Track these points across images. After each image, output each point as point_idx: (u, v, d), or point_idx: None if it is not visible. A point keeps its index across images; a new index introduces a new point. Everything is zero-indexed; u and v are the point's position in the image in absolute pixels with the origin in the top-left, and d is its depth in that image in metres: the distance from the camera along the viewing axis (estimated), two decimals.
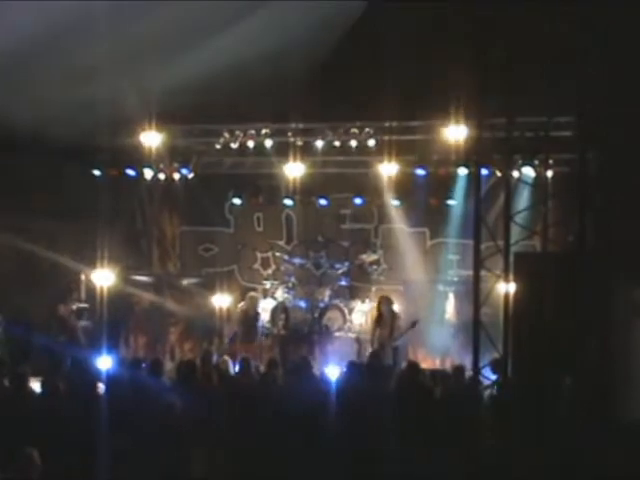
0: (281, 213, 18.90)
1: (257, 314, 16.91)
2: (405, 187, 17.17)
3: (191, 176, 17.98)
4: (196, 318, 17.29)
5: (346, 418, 10.14)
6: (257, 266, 18.97)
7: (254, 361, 14.09)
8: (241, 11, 13.57)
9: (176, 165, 17.85)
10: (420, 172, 16.68)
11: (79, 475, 8.87)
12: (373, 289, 17.73)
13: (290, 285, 17.77)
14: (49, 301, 16.35)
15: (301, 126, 16.88)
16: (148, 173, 17.47)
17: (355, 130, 16.60)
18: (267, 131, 17.03)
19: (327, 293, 17.48)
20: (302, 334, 16.96)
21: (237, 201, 18.60)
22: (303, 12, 14.24)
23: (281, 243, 18.98)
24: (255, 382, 11.73)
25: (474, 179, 11.77)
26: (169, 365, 13.73)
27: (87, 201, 16.44)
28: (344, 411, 10.38)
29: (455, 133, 15.29)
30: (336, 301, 17.45)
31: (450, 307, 16.81)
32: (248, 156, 17.36)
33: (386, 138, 16.33)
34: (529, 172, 15.31)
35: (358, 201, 18.09)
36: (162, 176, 17.89)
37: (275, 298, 17.65)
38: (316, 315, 17.17)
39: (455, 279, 17.25)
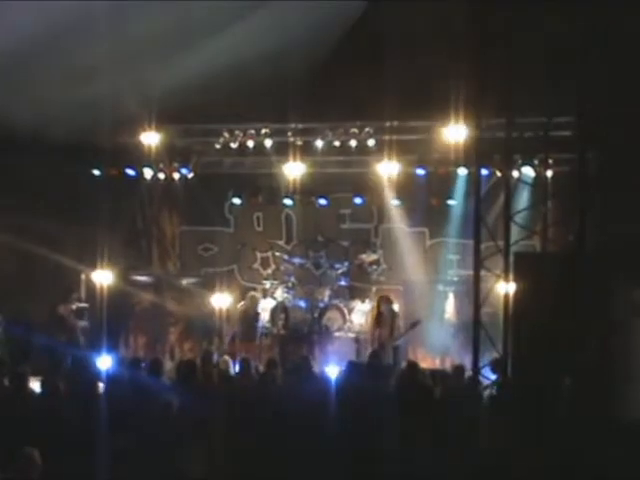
0: (281, 213, 18.89)
1: (257, 314, 16.92)
2: (405, 187, 17.16)
3: (191, 176, 17.96)
4: (196, 318, 17.28)
5: (346, 418, 10.14)
6: (257, 266, 18.97)
7: (254, 361, 14.12)
8: (241, 11, 13.57)
9: (176, 165, 17.83)
10: (420, 172, 16.68)
11: (79, 475, 8.86)
12: (373, 289, 17.71)
13: (290, 285, 17.77)
14: (49, 301, 16.34)
15: (301, 126, 16.87)
16: (148, 173, 17.46)
17: (355, 130, 16.59)
18: (267, 131, 17.03)
19: (327, 293, 17.47)
20: (302, 334, 16.96)
21: (237, 201, 18.59)
22: (303, 12, 14.24)
23: (281, 243, 18.98)
24: (255, 382, 11.74)
25: (474, 179, 11.78)
26: (169, 365, 13.73)
27: (87, 201, 16.43)
28: (344, 411, 10.38)
29: (455, 133, 15.29)
30: (336, 301, 17.44)
31: (450, 307, 16.80)
32: (248, 156, 17.34)
33: (386, 138, 16.32)
34: (529, 172, 15.32)
35: (358, 201, 18.08)
36: (162, 176, 17.88)
37: (275, 298, 17.65)
38: (316, 315, 17.16)
39: (455, 279, 17.25)
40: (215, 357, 14.27)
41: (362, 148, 16.73)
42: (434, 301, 16.92)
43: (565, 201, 12.14)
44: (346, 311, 17.26)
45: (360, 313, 17.29)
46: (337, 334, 17.02)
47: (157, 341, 16.93)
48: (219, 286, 17.33)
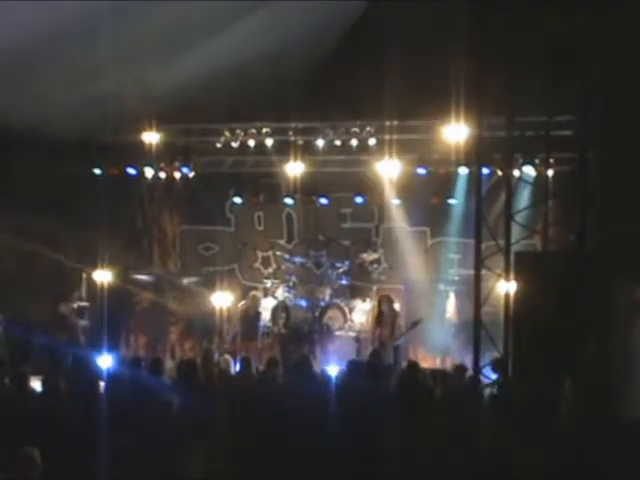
0: (282, 212, 18.89)
1: (258, 313, 16.91)
2: (406, 186, 17.15)
3: (192, 175, 17.95)
4: (196, 317, 17.29)
5: (346, 417, 10.14)
6: (258, 265, 18.97)
7: (255, 360, 14.12)
8: (241, 11, 13.56)
9: (177, 164, 17.81)
10: (421, 171, 16.65)
11: (79, 475, 8.86)
12: (374, 288, 17.71)
13: (291, 284, 17.77)
14: (50, 300, 16.37)
15: (301, 125, 16.87)
16: (149, 172, 17.46)
17: (356, 129, 16.58)
18: (268, 130, 17.02)
19: (328, 292, 17.47)
20: (303, 333, 16.96)
21: (238, 200, 18.58)
22: (303, 12, 14.23)
23: (282, 242, 18.97)
24: (255, 381, 11.74)
25: (475, 178, 11.80)
26: (169, 364, 13.74)
27: (88, 200, 16.43)
28: (344, 410, 10.38)
29: (456, 132, 15.27)
30: (337, 300, 17.45)
31: (451, 306, 16.79)
32: (249, 155, 17.33)
33: (387, 137, 16.30)
34: (530, 171, 15.29)
35: (359, 200, 18.07)
36: (163, 175, 17.86)
37: (276, 297, 17.66)
38: (317, 314, 17.17)
39: (456, 278, 17.24)
40: (216, 356, 14.28)
41: (363, 147, 16.71)
42: (435, 300, 16.90)
43: (566, 200, 12.14)
44: (347, 310, 17.27)
45: (361, 312, 17.31)
46: (338, 333, 17.03)
47: (158, 340, 16.93)
48: (220, 285, 17.32)
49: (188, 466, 9.41)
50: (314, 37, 15.68)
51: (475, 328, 10.80)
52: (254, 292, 17.69)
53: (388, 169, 16.74)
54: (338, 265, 17.75)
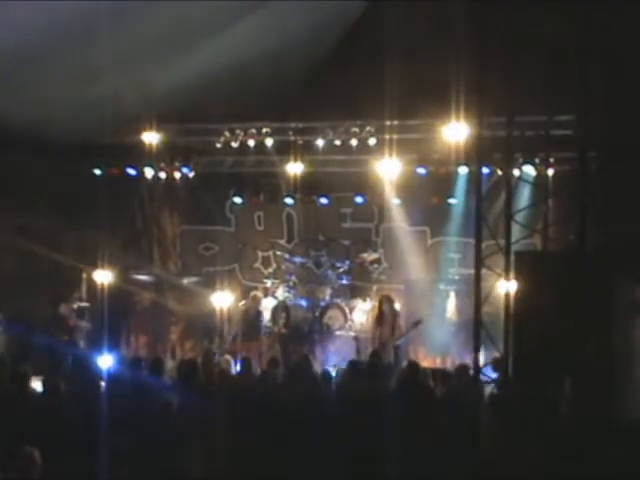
0: (282, 212, 18.89)
1: (259, 313, 16.90)
2: (406, 186, 17.14)
3: (192, 175, 17.95)
4: (197, 317, 17.29)
5: (346, 417, 10.14)
6: (258, 265, 18.98)
7: (255, 360, 14.13)
8: (241, 11, 13.55)
9: (177, 164, 17.81)
10: (421, 171, 16.65)
11: (79, 475, 8.87)
12: (374, 288, 17.74)
13: (291, 284, 17.79)
14: (50, 300, 16.36)
15: (301, 125, 16.86)
16: (149, 172, 17.45)
17: (356, 129, 16.57)
18: (268, 130, 17.01)
19: (328, 292, 17.48)
20: (303, 333, 16.97)
21: (238, 200, 18.59)
22: (303, 12, 14.22)
23: (282, 242, 18.98)
24: (256, 381, 11.75)
25: (475, 178, 11.77)
26: (170, 364, 13.74)
27: (88, 200, 16.42)
28: (344, 410, 10.39)
29: (456, 132, 15.25)
30: (337, 300, 17.45)
31: (451, 306, 16.79)
32: (249, 155, 17.32)
33: (387, 137, 16.28)
34: (530, 171, 15.29)
35: (359, 200, 18.08)
36: (163, 175, 17.86)
37: (276, 297, 17.67)
38: (317, 314, 17.18)
39: (456, 278, 17.24)
40: (216, 356, 14.29)
41: (363, 147, 16.70)
42: (435, 300, 16.91)
43: (566, 200, 12.12)
44: (347, 310, 17.28)
45: (361, 312, 17.32)
46: (338, 333, 17.04)
47: (158, 340, 16.93)
48: (220, 285, 17.32)
49: (188, 466, 9.43)
50: (314, 37, 15.68)
51: (475, 328, 10.79)
52: (255, 292, 17.68)
53: (388, 169, 16.73)
54: (338, 265, 17.76)
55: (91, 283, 16.25)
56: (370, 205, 18.25)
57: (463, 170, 16.17)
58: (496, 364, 11.21)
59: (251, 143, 17.08)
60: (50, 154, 15.29)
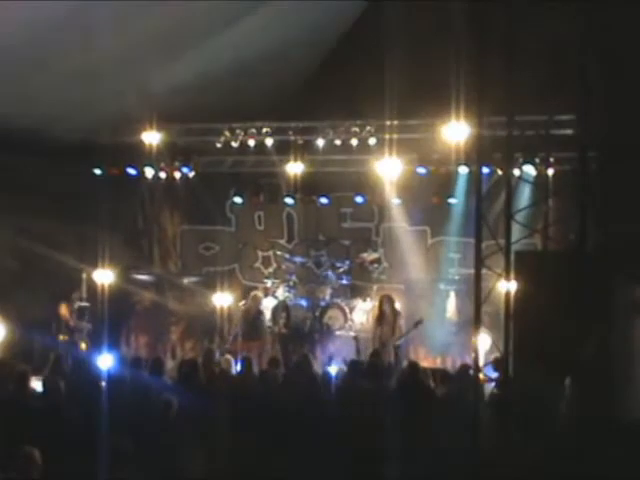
0: (282, 212, 18.89)
1: (259, 313, 16.89)
2: (406, 185, 17.12)
3: (192, 175, 17.92)
4: (197, 317, 17.30)
5: (346, 417, 10.15)
6: (258, 265, 18.98)
7: (255, 360, 14.13)
8: (241, 11, 13.55)
9: (177, 164, 17.78)
10: (421, 170, 16.62)
11: (79, 475, 8.86)
12: (374, 288, 17.74)
13: (291, 284, 17.80)
14: (50, 300, 16.36)
15: (301, 125, 16.84)
16: (149, 172, 17.43)
17: (356, 129, 16.55)
18: (268, 130, 16.99)
19: (328, 292, 17.49)
20: (303, 333, 16.98)
21: (238, 200, 18.59)
22: (303, 12, 14.22)
23: (282, 242, 18.98)
24: (256, 381, 11.75)
25: (475, 177, 11.75)
26: (170, 364, 13.76)
27: (88, 200, 16.41)
28: (344, 410, 10.39)
29: (456, 131, 15.24)
30: (337, 300, 17.46)
31: (451, 306, 16.79)
32: (249, 155, 17.30)
33: (387, 137, 16.27)
34: (530, 170, 15.27)
35: (359, 199, 18.07)
36: (163, 175, 17.84)
37: (276, 297, 17.68)
38: (317, 314, 17.19)
39: (456, 278, 17.23)
40: (217, 356, 14.30)
41: (363, 147, 16.67)
42: (435, 300, 16.92)
43: (566, 200, 12.12)
44: (347, 310, 17.28)
45: (361, 312, 17.33)
46: (338, 333, 17.04)
47: (158, 340, 16.93)
48: (220, 285, 17.34)
49: (188, 466, 9.42)
50: (314, 37, 15.68)
51: (475, 328, 10.79)
52: (255, 292, 17.68)
53: (388, 168, 16.71)
54: (338, 265, 17.77)
55: (91, 283, 16.23)
56: (370, 205, 18.24)
57: (463, 170, 16.14)
58: (496, 364, 11.20)
59: (251, 143, 17.05)
60: (50, 154, 15.27)
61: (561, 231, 12.13)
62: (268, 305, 17.35)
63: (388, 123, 16.10)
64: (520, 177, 14.70)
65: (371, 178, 17.25)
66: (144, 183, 17.83)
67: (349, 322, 17.18)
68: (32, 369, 11.43)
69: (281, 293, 17.74)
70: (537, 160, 15.14)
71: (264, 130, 16.97)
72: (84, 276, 16.62)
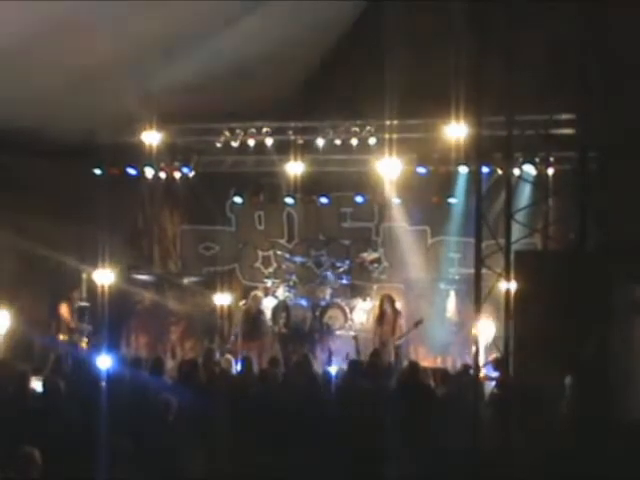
0: (282, 211, 18.88)
1: (260, 313, 16.89)
2: (406, 185, 17.12)
3: (192, 175, 17.93)
4: (197, 317, 17.30)
5: (346, 417, 10.15)
6: (258, 265, 18.97)
7: (255, 360, 14.13)
8: (241, 11, 13.55)
9: (177, 164, 17.79)
10: (421, 170, 16.63)
11: (79, 475, 8.86)
12: (374, 287, 17.74)
13: (291, 283, 17.80)
14: (50, 300, 16.36)
15: (301, 125, 16.84)
16: (149, 172, 17.43)
17: (356, 128, 16.55)
18: (268, 129, 16.98)
19: (328, 291, 17.49)
20: (303, 332, 16.98)
21: (238, 200, 18.58)
22: (303, 12, 14.22)
23: (282, 241, 18.97)
24: (256, 381, 11.76)
25: (475, 177, 11.76)
26: (170, 364, 13.76)
27: (88, 200, 16.41)
28: (344, 410, 10.39)
29: (456, 131, 15.25)
30: (337, 299, 17.47)
31: (451, 305, 16.80)
32: (249, 154, 17.29)
33: (387, 136, 16.27)
34: (530, 170, 15.27)
35: (359, 199, 18.06)
36: (163, 175, 17.84)
37: (276, 296, 17.68)
38: (317, 314, 17.19)
39: (456, 277, 17.23)
40: (217, 356, 14.30)
41: (363, 146, 16.67)
42: (435, 299, 16.92)
43: (566, 199, 12.13)
44: (347, 310, 17.29)
45: (361, 312, 17.33)
46: (338, 333, 17.04)
47: (158, 340, 16.94)
48: (220, 285, 17.34)
49: (188, 466, 9.42)
50: (314, 37, 15.68)
51: (475, 327, 10.79)
52: (255, 292, 17.68)
53: (388, 168, 16.72)
54: (338, 264, 17.77)
55: (91, 283, 16.23)
56: (370, 204, 18.23)
57: (463, 169, 16.15)
58: (496, 364, 11.21)
59: (251, 143, 17.05)
60: (50, 154, 15.27)
61: (561, 231, 12.12)
62: (268, 305, 17.35)
63: (388, 123, 16.09)
64: (520, 177, 14.70)
65: (371, 178, 17.25)
66: (144, 183, 17.83)
67: (349, 322, 17.18)
68: (32, 369, 11.43)
69: (281, 293, 17.74)
70: (537, 160, 15.14)
71: (264, 130, 16.96)
72: (84, 276, 16.62)
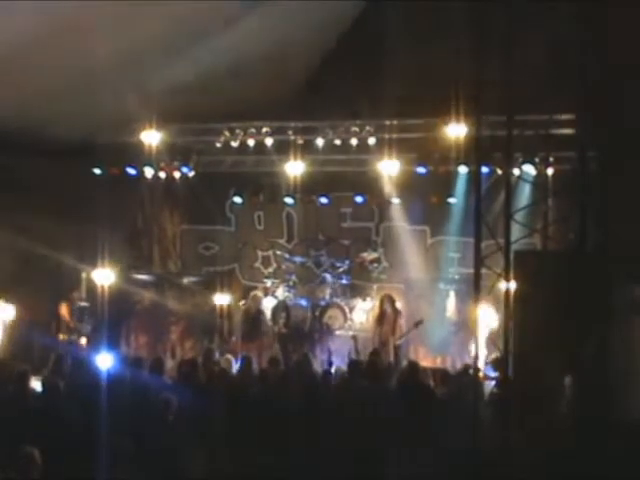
0: (282, 211, 18.89)
1: (259, 313, 16.89)
2: (405, 185, 17.13)
3: (192, 175, 17.95)
4: (197, 317, 17.29)
5: (346, 417, 10.15)
6: (258, 265, 18.98)
7: (255, 359, 14.13)
8: (241, 10, 13.55)
9: (177, 164, 17.81)
10: (420, 170, 16.63)
11: (79, 475, 8.86)
12: (374, 287, 17.75)
13: (291, 283, 17.81)
14: (50, 300, 16.35)
15: (301, 125, 16.84)
16: (149, 172, 17.44)
17: (355, 128, 16.55)
18: (267, 129, 16.99)
19: (328, 291, 17.50)
20: (303, 332, 16.97)
21: (238, 199, 18.59)
22: (303, 12, 14.22)
23: (282, 241, 18.98)
24: (256, 381, 11.75)
25: (474, 177, 11.75)
26: (170, 364, 13.75)
27: (88, 200, 16.41)
28: (344, 410, 10.39)
29: (455, 131, 15.26)
30: (337, 299, 17.47)
31: (451, 305, 16.79)
32: (249, 154, 17.30)
33: (386, 136, 16.28)
34: (530, 170, 15.28)
35: (359, 199, 18.06)
36: (163, 175, 17.85)
37: (276, 297, 17.69)
38: (317, 313, 17.19)
39: (456, 277, 17.23)
40: (217, 356, 14.29)
41: (363, 146, 16.68)
42: (435, 299, 16.92)
43: (566, 199, 12.12)
44: (347, 309, 17.30)
45: (361, 311, 17.34)
46: (338, 332, 17.05)
47: (158, 340, 16.92)
48: (220, 285, 17.34)
49: (188, 466, 9.42)
50: (314, 37, 15.68)
51: (475, 327, 10.79)
52: (255, 292, 17.69)
53: (388, 168, 16.72)
54: (338, 264, 17.78)
55: (91, 283, 16.22)
56: (370, 204, 18.23)
57: (463, 169, 16.15)
58: (496, 364, 11.20)
59: (251, 143, 17.06)
60: (50, 154, 15.27)
61: (561, 231, 12.11)
62: (268, 305, 17.36)
63: (388, 123, 16.11)
64: (520, 177, 14.70)
65: (371, 178, 17.25)
66: (144, 183, 17.84)
67: (349, 322, 17.19)
68: (32, 369, 11.41)
69: (281, 293, 17.75)
70: (537, 160, 15.15)
71: (264, 130, 16.97)
72: (84, 276, 16.62)
